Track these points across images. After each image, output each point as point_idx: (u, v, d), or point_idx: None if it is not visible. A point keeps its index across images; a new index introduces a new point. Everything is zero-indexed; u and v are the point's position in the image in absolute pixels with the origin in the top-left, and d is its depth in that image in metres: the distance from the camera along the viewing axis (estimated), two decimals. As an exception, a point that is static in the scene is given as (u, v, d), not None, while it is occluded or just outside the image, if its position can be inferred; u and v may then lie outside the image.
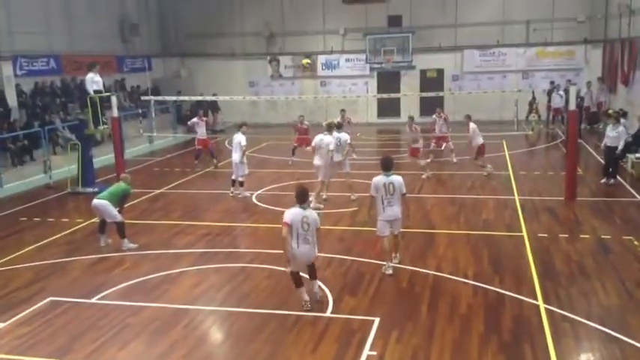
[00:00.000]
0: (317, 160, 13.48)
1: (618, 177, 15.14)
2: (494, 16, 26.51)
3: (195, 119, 18.68)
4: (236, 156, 14.16)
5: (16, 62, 19.94)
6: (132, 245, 10.91)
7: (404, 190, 9.17)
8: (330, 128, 13.68)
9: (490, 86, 26.27)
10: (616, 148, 14.21)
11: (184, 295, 8.81)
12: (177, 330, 7.64)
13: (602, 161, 15.46)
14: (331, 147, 13.25)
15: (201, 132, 18.46)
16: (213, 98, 23.74)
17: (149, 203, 14.50)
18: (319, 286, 8.41)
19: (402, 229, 9.51)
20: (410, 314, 7.85)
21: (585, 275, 9.03)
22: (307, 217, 7.86)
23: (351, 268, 9.58)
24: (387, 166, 9.19)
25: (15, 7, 20.16)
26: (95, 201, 10.90)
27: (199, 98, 23.65)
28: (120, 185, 11.11)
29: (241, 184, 14.40)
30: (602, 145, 14.98)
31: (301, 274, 8.15)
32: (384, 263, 9.38)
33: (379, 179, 9.11)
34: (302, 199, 7.98)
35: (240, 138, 14.09)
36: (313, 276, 8.24)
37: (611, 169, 14.59)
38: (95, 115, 15.70)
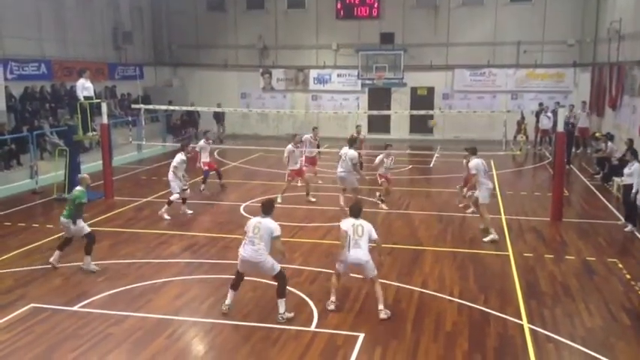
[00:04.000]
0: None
1: (603, 199, 15.26)
2: (485, 37, 26.80)
3: (202, 142, 16.55)
4: (170, 175, 13.73)
5: (6, 66, 19.81)
6: (93, 267, 10.12)
7: (374, 236, 8.32)
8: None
9: (480, 106, 26.46)
10: (631, 186, 12.28)
11: (168, 305, 8.73)
12: (159, 341, 7.56)
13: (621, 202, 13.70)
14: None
15: (206, 155, 16.47)
16: (215, 109, 23.61)
17: (135, 212, 14.40)
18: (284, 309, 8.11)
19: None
20: (394, 331, 7.82)
21: (570, 296, 9.07)
22: (260, 223, 8.10)
23: (336, 283, 9.52)
24: (355, 212, 8.45)
25: (7, 12, 20.09)
26: (62, 219, 10.23)
27: (190, 108, 23.65)
28: (74, 193, 10.22)
29: (184, 201, 13.98)
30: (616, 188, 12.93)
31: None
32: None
33: (348, 220, 8.40)
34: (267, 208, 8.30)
35: (177, 158, 13.69)
36: (278, 294, 8.11)
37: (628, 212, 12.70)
38: (84, 121, 15.64)
